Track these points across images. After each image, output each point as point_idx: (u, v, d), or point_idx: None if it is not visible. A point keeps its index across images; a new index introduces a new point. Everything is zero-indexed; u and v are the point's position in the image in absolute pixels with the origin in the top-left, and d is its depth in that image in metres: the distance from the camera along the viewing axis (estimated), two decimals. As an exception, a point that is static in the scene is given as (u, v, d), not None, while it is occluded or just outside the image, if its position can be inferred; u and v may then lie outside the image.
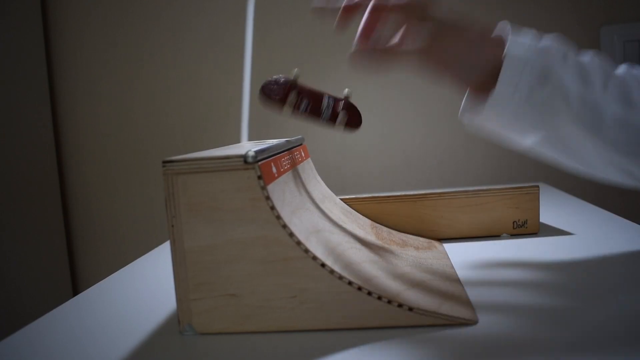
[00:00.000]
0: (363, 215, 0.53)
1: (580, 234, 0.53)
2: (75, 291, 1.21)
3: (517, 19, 0.70)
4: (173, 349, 0.33)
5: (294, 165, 0.44)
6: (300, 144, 0.50)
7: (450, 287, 0.38)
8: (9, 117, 1.03)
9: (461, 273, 0.42)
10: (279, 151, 0.40)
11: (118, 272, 0.51)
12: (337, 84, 1.09)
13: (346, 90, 0.42)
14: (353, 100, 0.41)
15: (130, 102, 1.17)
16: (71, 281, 1.20)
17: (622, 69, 0.43)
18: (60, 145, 1.18)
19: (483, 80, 0.41)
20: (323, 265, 0.33)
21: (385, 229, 0.52)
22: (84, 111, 1.18)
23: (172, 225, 0.33)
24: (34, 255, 1.08)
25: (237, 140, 1.12)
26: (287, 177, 0.40)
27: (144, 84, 1.16)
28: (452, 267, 0.44)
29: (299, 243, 0.33)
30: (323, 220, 0.41)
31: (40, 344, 0.35)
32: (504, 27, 0.42)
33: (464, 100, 0.45)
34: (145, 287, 0.46)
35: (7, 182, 1.02)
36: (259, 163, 0.33)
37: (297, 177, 0.43)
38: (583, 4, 1.02)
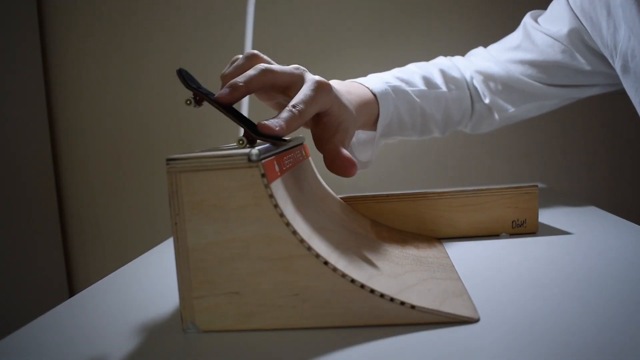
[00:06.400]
0: (363, 214, 0.53)
1: (578, 233, 0.53)
2: (72, 292, 1.20)
3: (512, 20, 0.70)
4: (176, 347, 0.33)
5: (295, 164, 0.44)
6: (301, 143, 0.50)
7: (451, 285, 0.38)
8: (3, 115, 1.03)
9: (461, 272, 0.42)
10: (281, 150, 0.40)
11: (118, 270, 0.51)
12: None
13: None
14: None
15: (128, 100, 1.16)
16: (67, 281, 1.20)
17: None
18: (56, 142, 1.18)
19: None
20: (326, 263, 0.33)
21: (385, 227, 0.53)
22: (80, 109, 1.17)
23: (176, 223, 0.33)
24: (28, 254, 1.08)
25: (235, 139, 1.12)
26: (289, 175, 0.40)
27: (141, 82, 1.16)
28: (453, 265, 0.44)
29: (302, 241, 0.33)
30: (325, 218, 0.41)
31: (39, 344, 0.35)
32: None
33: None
34: (146, 285, 0.46)
35: (1, 179, 1.02)
36: (262, 161, 0.33)
37: (299, 176, 0.43)
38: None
